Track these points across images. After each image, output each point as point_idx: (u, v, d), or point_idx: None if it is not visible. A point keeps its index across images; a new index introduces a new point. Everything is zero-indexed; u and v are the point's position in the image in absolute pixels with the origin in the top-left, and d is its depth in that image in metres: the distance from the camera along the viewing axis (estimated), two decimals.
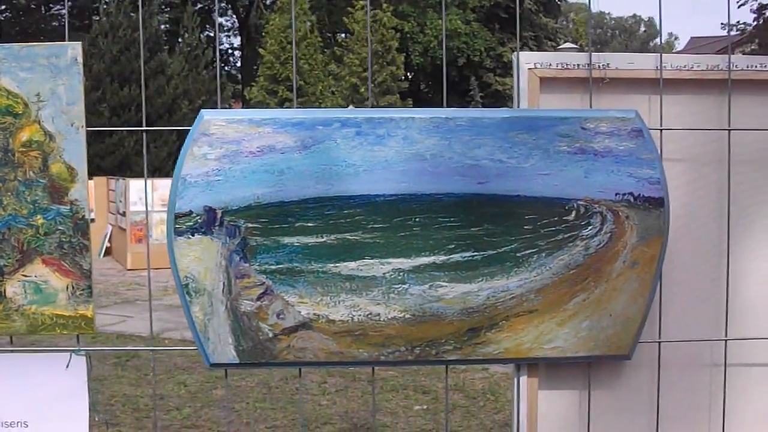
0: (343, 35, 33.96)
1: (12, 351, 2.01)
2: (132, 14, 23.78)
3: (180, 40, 27.75)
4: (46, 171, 1.91)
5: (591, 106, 2.01)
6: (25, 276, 1.93)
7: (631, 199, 1.94)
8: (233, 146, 1.89)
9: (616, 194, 1.94)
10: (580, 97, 2.03)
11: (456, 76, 32.90)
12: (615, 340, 1.99)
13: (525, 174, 1.93)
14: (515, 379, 2.09)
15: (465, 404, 5.93)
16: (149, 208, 13.64)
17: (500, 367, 6.32)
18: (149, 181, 13.99)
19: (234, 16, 40.80)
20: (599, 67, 2.02)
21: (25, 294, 1.94)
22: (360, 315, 1.94)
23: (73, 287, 1.94)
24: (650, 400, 2.08)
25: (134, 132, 22.06)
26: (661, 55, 2.02)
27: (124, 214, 14.63)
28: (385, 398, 6.04)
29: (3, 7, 31.47)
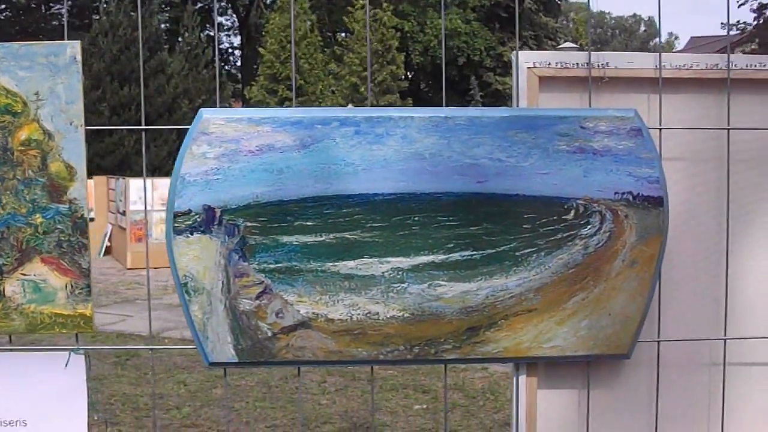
0: (343, 34, 33.96)
1: (11, 350, 2.01)
2: (132, 13, 23.77)
3: (180, 39, 27.76)
4: (45, 170, 1.91)
5: (590, 105, 2.00)
6: (24, 275, 1.93)
7: (630, 198, 1.94)
8: (232, 145, 1.89)
9: (615, 193, 1.94)
10: (580, 96, 2.03)
11: (456, 75, 32.90)
12: (614, 339, 1.99)
13: (524, 173, 1.93)
14: (514, 379, 2.09)
15: (465, 403, 5.94)
16: (149, 208, 13.65)
17: (500, 366, 6.33)
18: (149, 181, 14.00)
19: (234, 15, 40.81)
20: (598, 66, 2.02)
21: (24, 293, 1.94)
22: (359, 314, 1.94)
23: (72, 286, 1.94)
24: (649, 400, 2.08)
25: (134, 131, 22.05)
26: (660, 54, 2.02)
27: (124, 214, 14.64)
28: (384, 397, 6.04)
29: (3, 6, 31.46)
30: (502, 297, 1.95)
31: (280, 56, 28.39)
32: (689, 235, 2.08)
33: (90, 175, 1.94)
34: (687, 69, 2.04)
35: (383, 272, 1.93)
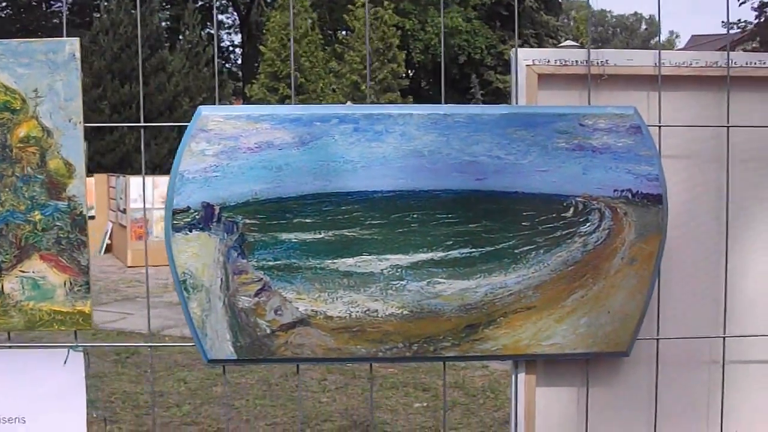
0: (344, 32, 33.94)
1: (10, 347, 2.01)
2: (133, 11, 23.76)
3: (181, 37, 27.74)
4: (43, 167, 1.91)
5: (589, 103, 2.00)
6: (23, 272, 1.93)
7: (630, 196, 1.94)
8: (231, 142, 1.89)
9: (615, 191, 1.94)
10: (579, 94, 2.02)
11: (457, 73, 32.88)
12: (613, 337, 1.99)
13: (523, 170, 1.92)
14: (513, 376, 2.08)
15: (465, 402, 5.94)
16: (150, 206, 13.65)
17: (500, 364, 6.33)
18: (150, 179, 14.00)
19: (235, 13, 40.78)
20: (598, 63, 2.01)
21: (23, 290, 1.94)
22: (358, 311, 1.94)
23: (70, 283, 1.94)
24: (648, 397, 2.08)
25: (135, 129, 22.05)
26: (659, 52, 2.02)
27: (124, 212, 14.64)
28: (385, 395, 6.04)
29: (4, 4, 31.46)
30: (501, 294, 1.95)
31: (281, 54, 28.37)
32: (688, 232, 2.08)
33: (91, 173, 1.94)
34: (686, 66, 2.04)
35: (382, 269, 1.93)
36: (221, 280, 1.91)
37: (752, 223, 2.11)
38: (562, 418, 2.10)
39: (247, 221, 1.90)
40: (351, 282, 1.93)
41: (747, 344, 2.12)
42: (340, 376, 6.54)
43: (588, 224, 1.95)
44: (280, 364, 2.39)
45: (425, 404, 5.90)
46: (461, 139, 1.91)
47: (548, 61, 2.01)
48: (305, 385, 6.25)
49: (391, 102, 26.87)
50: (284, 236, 1.91)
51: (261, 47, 29.66)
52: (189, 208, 1.89)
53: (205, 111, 1.91)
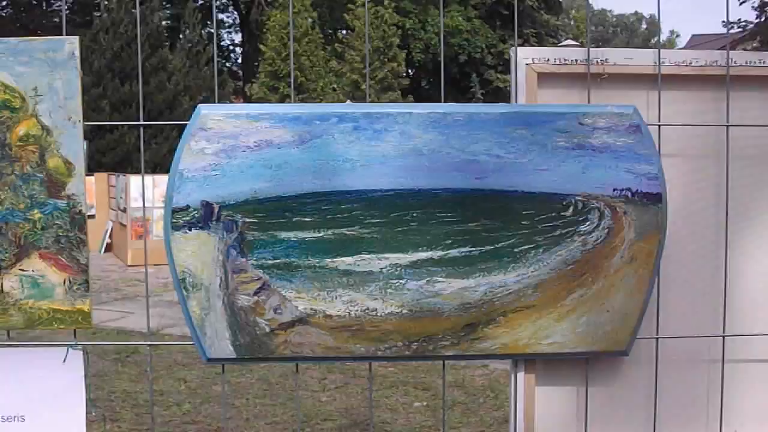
0: (344, 32, 33.92)
1: (9, 345, 2.01)
2: (133, 10, 23.76)
3: (181, 36, 27.73)
4: (43, 165, 1.91)
5: (589, 102, 2.00)
6: (23, 270, 1.93)
7: (629, 195, 1.94)
8: (230, 141, 1.89)
9: (614, 190, 1.94)
10: (578, 93, 2.02)
11: (457, 73, 32.85)
12: (613, 336, 1.99)
13: (523, 169, 1.92)
14: (512, 375, 2.08)
15: (464, 401, 5.94)
16: (150, 204, 13.65)
17: (500, 363, 6.32)
18: (150, 177, 13.99)
19: (235, 12, 40.76)
20: (597, 62, 2.01)
21: (23, 288, 1.94)
22: (357, 310, 1.94)
23: (70, 282, 1.94)
24: (648, 396, 2.08)
25: (135, 128, 22.05)
26: (659, 51, 2.02)
27: (124, 211, 14.64)
28: (384, 395, 6.04)
29: (4, 3, 31.46)
30: (501, 293, 1.95)
31: (281, 53, 28.35)
32: (688, 231, 2.08)
33: (91, 171, 1.94)
34: (686, 65, 2.04)
35: (381, 268, 1.93)
36: (220, 278, 1.91)
37: (752, 222, 2.10)
38: (562, 417, 2.10)
39: (247, 220, 1.90)
40: (350, 281, 1.93)
41: (747, 343, 2.12)
42: (340, 375, 6.55)
43: (587, 223, 1.95)
44: (279, 362, 2.39)
45: (425, 403, 5.90)
46: (461, 138, 1.91)
47: (548, 60, 2.01)
48: (305, 384, 6.25)
49: (391, 101, 26.86)
50: (283, 235, 1.91)
51: (261, 46, 29.64)
52: (188, 206, 1.88)
53: (204, 110, 1.91)
